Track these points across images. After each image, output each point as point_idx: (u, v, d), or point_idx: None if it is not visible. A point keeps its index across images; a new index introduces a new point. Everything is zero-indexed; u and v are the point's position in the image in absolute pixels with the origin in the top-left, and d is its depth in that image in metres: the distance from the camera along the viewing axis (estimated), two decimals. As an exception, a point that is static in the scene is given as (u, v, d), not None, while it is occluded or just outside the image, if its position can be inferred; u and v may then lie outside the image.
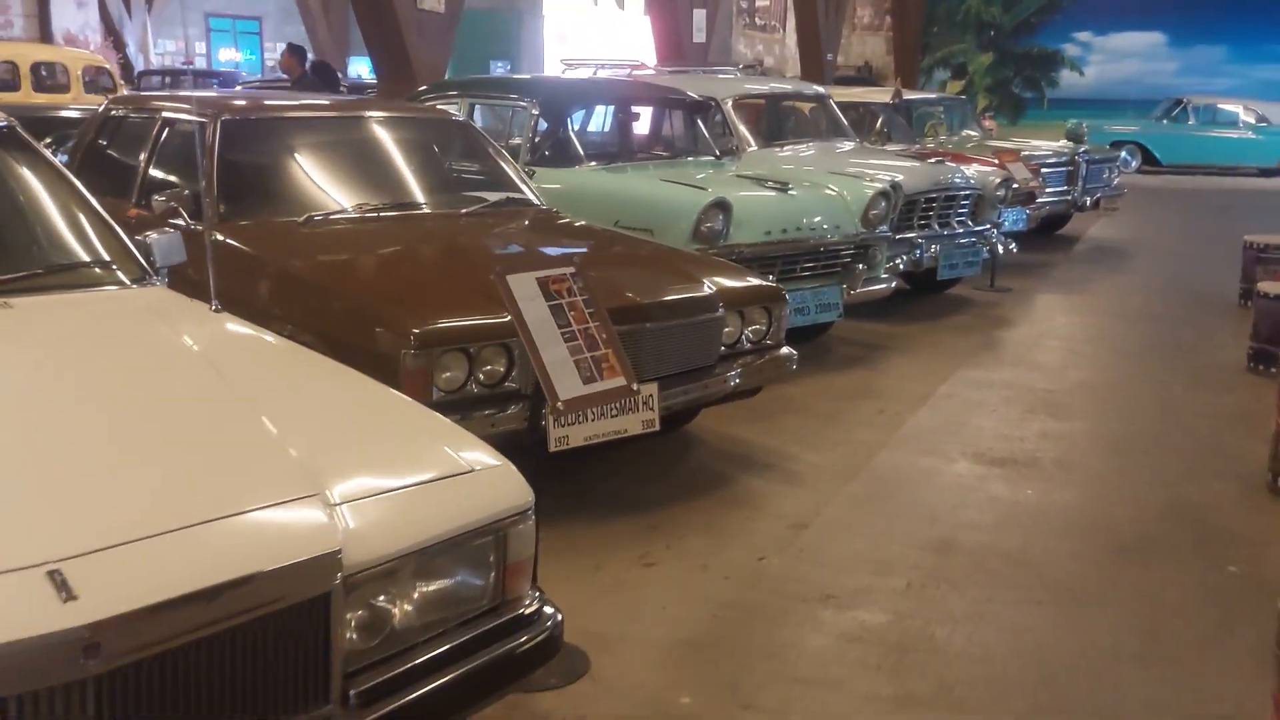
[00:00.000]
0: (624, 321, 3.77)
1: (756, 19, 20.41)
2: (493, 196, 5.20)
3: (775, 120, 9.61)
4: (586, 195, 6.30)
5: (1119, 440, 5.36)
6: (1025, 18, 24.68)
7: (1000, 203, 8.33)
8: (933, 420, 5.53)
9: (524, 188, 5.43)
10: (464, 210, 5.00)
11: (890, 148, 10.35)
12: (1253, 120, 20.49)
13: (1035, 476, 4.74)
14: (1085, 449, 5.20)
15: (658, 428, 3.68)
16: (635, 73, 9.17)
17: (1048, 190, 10.82)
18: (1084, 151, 11.40)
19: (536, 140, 6.65)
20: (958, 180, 8.01)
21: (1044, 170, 10.75)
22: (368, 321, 3.73)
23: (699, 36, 14.52)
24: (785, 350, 4.73)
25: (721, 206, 5.86)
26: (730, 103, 8.43)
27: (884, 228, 6.71)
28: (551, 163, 6.64)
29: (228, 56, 27.68)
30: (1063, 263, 10.54)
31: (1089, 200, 11.41)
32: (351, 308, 3.87)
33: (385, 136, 5.27)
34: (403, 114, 5.52)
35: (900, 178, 7.56)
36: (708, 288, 4.37)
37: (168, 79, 20.30)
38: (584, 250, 4.72)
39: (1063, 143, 12.36)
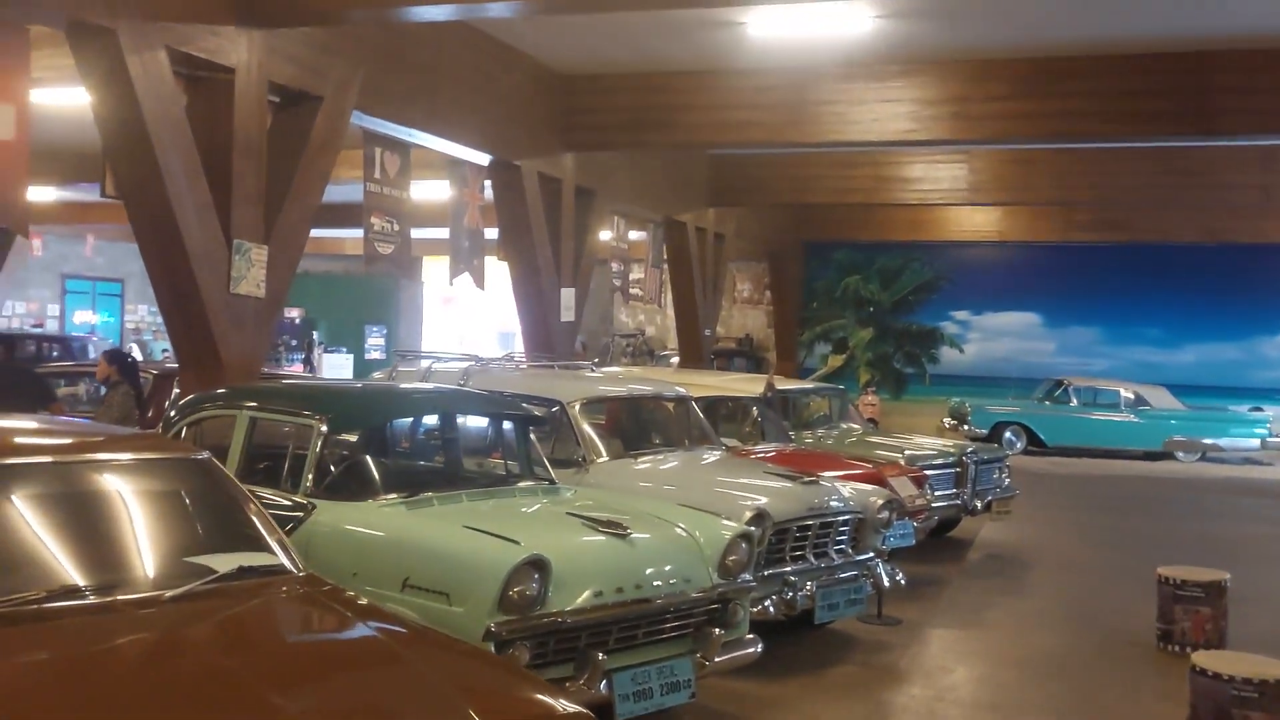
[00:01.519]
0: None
1: (633, 290, 19.96)
2: (223, 565, 3.90)
3: (635, 422, 8.60)
4: (373, 543, 5.04)
5: None
6: (903, 295, 24.89)
7: (883, 526, 7.29)
8: None
9: (274, 547, 4.14)
10: (170, 594, 3.67)
11: (763, 448, 9.42)
12: (1133, 401, 20.44)
13: None
14: None
15: None
16: (475, 368, 8.14)
17: (935, 494, 9.91)
18: (972, 451, 10.61)
19: (320, 466, 5.43)
20: (835, 504, 6.97)
21: (930, 473, 9.88)
22: None
23: (567, 315, 13.75)
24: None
25: (537, 566, 4.63)
26: (578, 406, 7.38)
27: (746, 575, 5.54)
28: (340, 494, 5.40)
29: (83, 319, 26.35)
30: (955, 580, 9.48)
31: (979, 504, 10.54)
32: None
33: (102, 484, 3.99)
34: (124, 455, 4.24)
35: (766, 502, 6.50)
36: (477, 733, 3.07)
37: None
38: (306, 683, 3.38)
39: (949, 442, 11.63)
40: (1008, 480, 11.31)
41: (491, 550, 4.67)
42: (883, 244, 24.56)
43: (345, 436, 5.90)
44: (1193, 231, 21.60)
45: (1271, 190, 16.33)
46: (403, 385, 7.45)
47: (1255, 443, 20.12)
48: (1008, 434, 20.59)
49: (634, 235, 18.56)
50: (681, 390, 8.36)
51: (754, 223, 21.51)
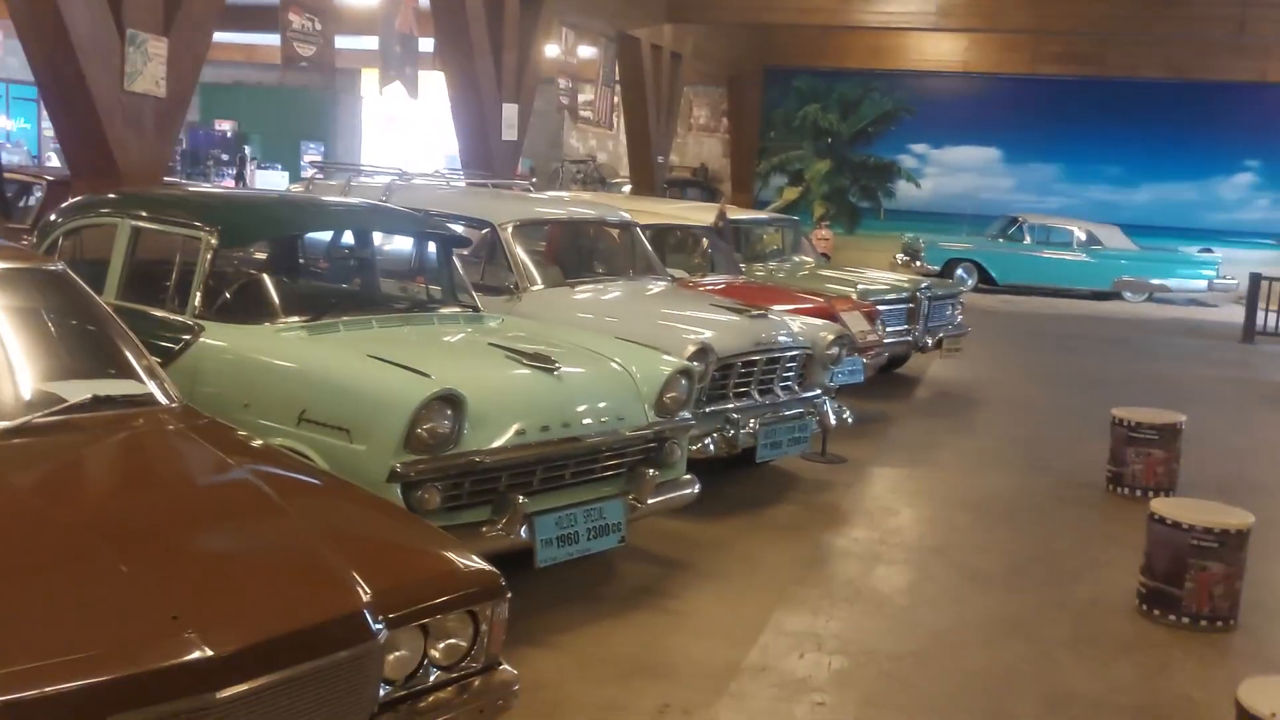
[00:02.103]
0: (175, 693, 2.06)
1: (588, 112, 19.06)
2: (74, 393, 3.36)
3: (575, 249, 8.06)
4: (266, 371, 4.52)
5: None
6: (862, 127, 24.16)
7: (832, 363, 6.89)
8: (736, 721, 3.89)
9: (141, 374, 3.61)
10: (12, 423, 3.15)
11: (711, 280, 8.93)
12: (1085, 240, 20.17)
13: None
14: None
15: None
16: (399, 184, 7.48)
17: (886, 329, 9.54)
18: (925, 287, 10.20)
19: (211, 283, 4.85)
20: (783, 339, 6.54)
21: (882, 308, 9.49)
22: None
23: (509, 134, 12.95)
24: (504, 673, 3.01)
25: (450, 401, 4.16)
26: (511, 229, 6.81)
27: (685, 414, 5.12)
28: (232, 315, 4.84)
29: None
30: (903, 416, 9.21)
31: (930, 341, 10.20)
32: None
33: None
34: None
35: (710, 336, 6.05)
36: (356, 595, 2.63)
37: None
38: (158, 509, 2.90)
39: (903, 277, 11.23)
40: (960, 318, 10.96)
41: (398, 383, 4.17)
42: (844, 72, 23.69)
43: (240, 252, 5.30)
44: (1162, 67, 20.96)
45: (1247, 23, 15.69)
46: (310, 197, 6.79)
47: (1203, 284, 20.02)
48: (959, 271, 20.28)
49: (584, 53, 17.57)
50: (626, 215, 7.79)
51: (713, 44, 20.49)
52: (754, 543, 5.78)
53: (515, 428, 4.36)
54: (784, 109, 24.50)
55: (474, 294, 5.66)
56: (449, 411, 4.16)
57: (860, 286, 9.68)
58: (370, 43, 13.65)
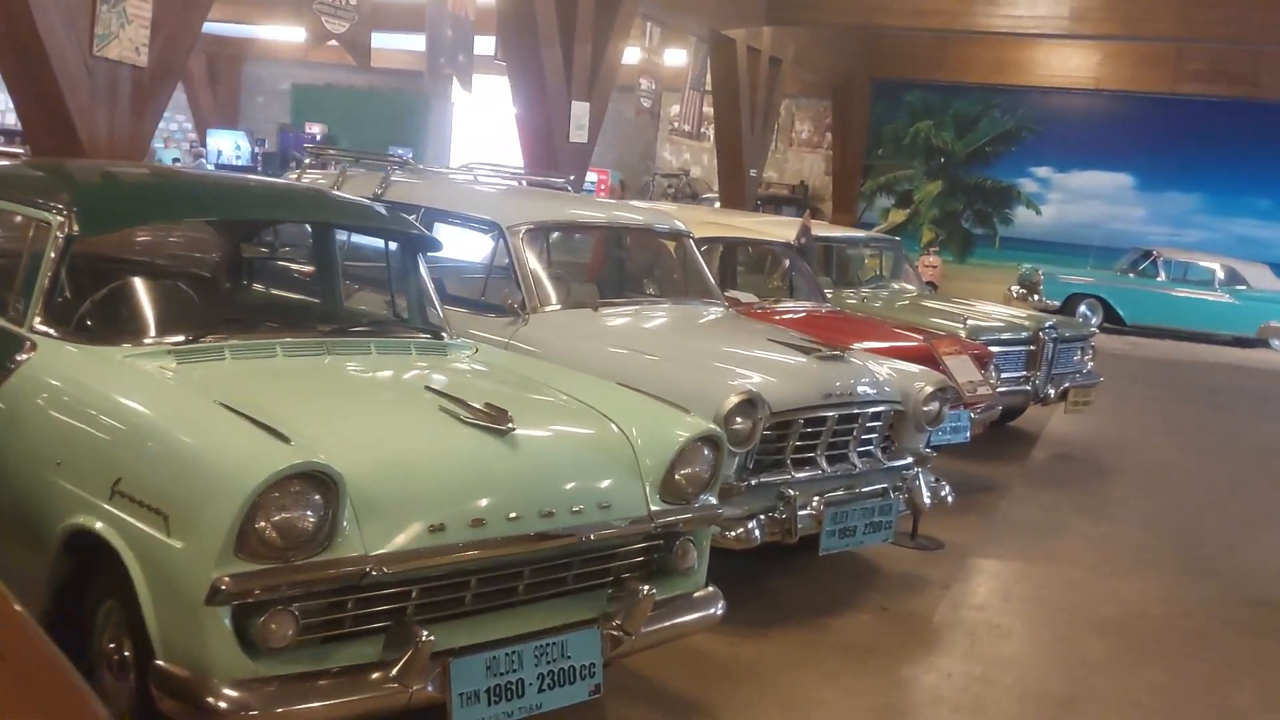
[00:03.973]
0: None
1: (680, 124, 17.64)
2: None
3: (615, 264, 6.59)
4: (83, 414, 3.13)
5: None
6: (979, 146, 22.21)
7: (930, 422, 5.27)
8: None
9: None
10: None
11: (787, 307, 7.38)
12: (1227, 279, 17.98)
13: None
14: None
15: None
16: (398, 178, 6.05)
17: (1000, 377, 7.85)
18: (1050, 326, 8.45)
19: (61, 284, 3.49)
20: (864, 389, 4.95)
21: (996, 350, 7.79)
22: None
23: (578, 135, 11.55)
24: None
25: (317, 482, 2.70)
26: (523, 233, 5.35)
27: (708, 498, 3.58)
28: (83, 330, 3.48)
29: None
30: (1016, 486, 7.48)
31: (1053, 392, 8.44)
32: None
33: None
34: None
35: (760, 382, 4.52)
36: None
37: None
38: None
39: (1020, 312, 9.48)
40: (1090, 364, 9.14)
41: (240, 450, 2.72)
42: (960, 86, 21.83)
43: (104, 244, 3.93)
44: (1324, 89, 18.72)
45: None
46: (218, 175, 5.40)
47: (1366, 334, 17.67)
48: (1083, 308, 18.27)
49: (671, 59, 16.13)
50: (678, 224, 6.26)
51: (817, 51, 18.86)
52: (806, 674, 4.19)
53: (430, 522, 2.88)
54: (894, 125, 22.70)
55: (440, 313, 4.19)
56: (315, 497, 2.70)
57: (970, 322, 7.99)
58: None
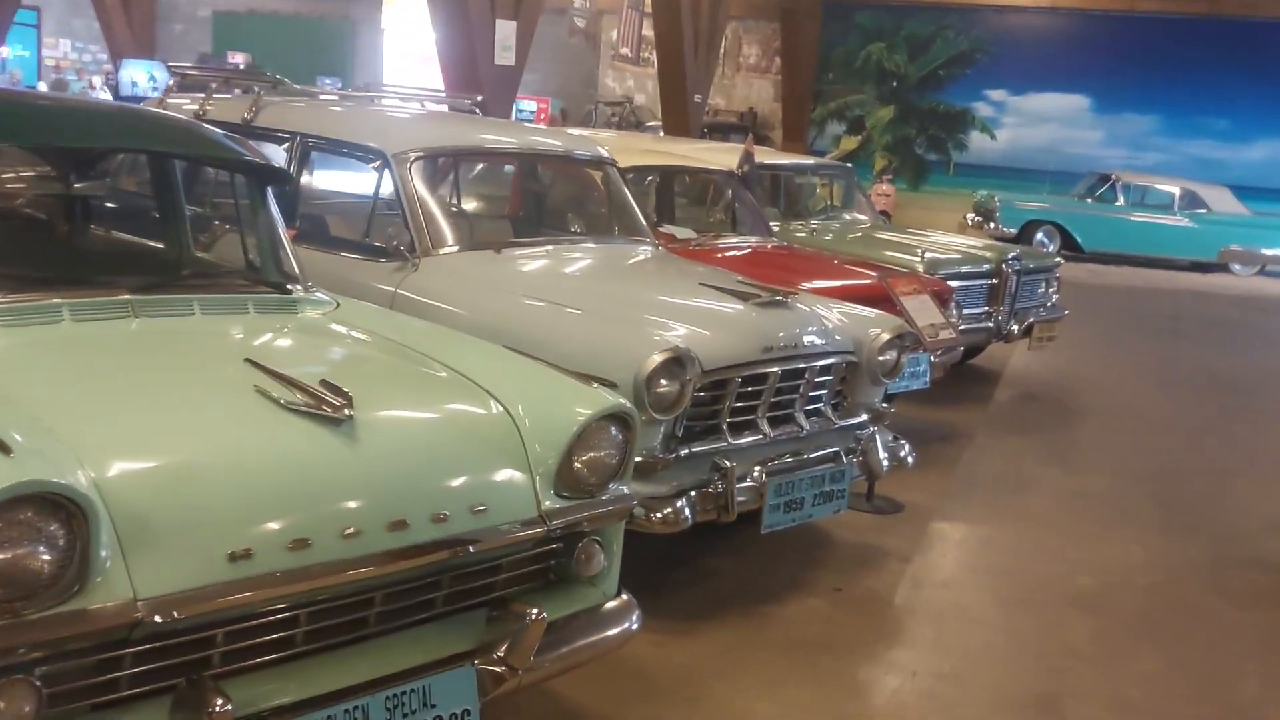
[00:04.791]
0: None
1: (626, 48, 16.71)
2: None
3: (525, 198, 5.83)
4: None
5: None
6: (932, 69, 21.49)
7: (886, 374, 4.60)
8: None
9: None
10: None
11: (730, 243, 6.67)
12: (1187, 203, 17.48)
13: None
14: None
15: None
16: (271, 100, 5.23)
17: (962, 314, 7.21)
18: (1014, 257, 7.80)
19: None
20: (811, 339, 4.26)
21: (956, 285, 7.15)
22: None
23: (504, 57, 10.67)
24: None
25: (53, 508, 1.95)
26: (413, 161, 4.57)
27: (620, 487, 2.88)
28: None
29: (-8, 51, 22.99)
30: (979, 433, 6.88)
31: (1017, 328, 7.82)
32: None
33: None
34: None
35: (688, 336, 3.84)
36: None
37: None
38: None
39: (979, 242, 8.83)
40: (1056, 297, 8.53)
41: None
42: (913, 6, 21.10)
43: None
44: (1285, 4, 18.14)
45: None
46: (20, 93, 4.52)
47: (1327, 257, 17.32)
48: (1039, 235, 17.76)
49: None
50: (600, 151, 5.49)
51: (763, -32, 17.98)
52: (744, 683, 3.54)
53: (230, 547, 2.16)
54: (844, 48, 21.90)
55: (294, 261, 3.43)
56: (53, 527, 1.96)
57: (929, 255, 7.32)
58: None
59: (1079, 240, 17.63)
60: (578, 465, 2.75)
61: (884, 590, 4.36)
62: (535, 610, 2.56)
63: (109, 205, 3.80)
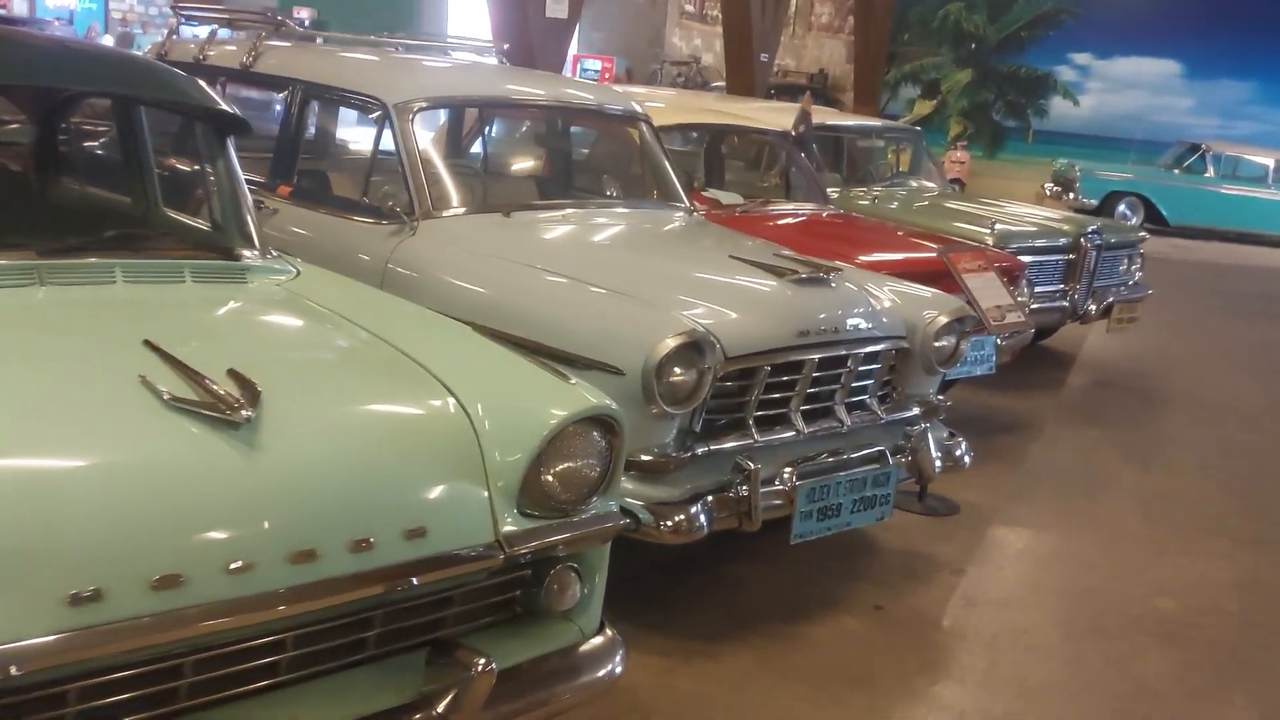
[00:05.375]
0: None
1: (690, 5, 16.11)
2: None
3: (548, 157, 5.34)
4: None
5: None
6: (1014, 31, 20.48)
7: (942, 362, 4.05)
8: None
9: None
10: None
11: (778, 210, 6.13)
12: (1283, 177, 16.45)
13: None
14: None
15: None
16: (272, 42, 4.78)
17: (1034, 293, 6.59)
18: (1093, 231, 7.13)
19: None
20: (855, 324, 3.72)
21: (1029, 260, 6.52)
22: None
23: (556, 9, 10.14)
24: None
25: None
26: (416, 111, 4.10)
27: (603, 500, 2.40)
28: None
29: (59, 3, 23.03)
30: (1049, 423, 6.28)
31: (1095, 308, 7.17)
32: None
33: None
34: None
35: (704, 317, 3.34)
36: None
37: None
38: None
39: (1057, 214, 8.14)
40: (1139, 274, 7.83)
41: None
42: (997, -37, 20.07)
43: None
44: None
45: None
46: None
47: None
48: (1122, 206, 16.84)
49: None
50: (634, 106, 4.96)
51: (836, -78, 17.16)
52: (760, 718, 3.05)
53: (74, 588, 1.71)
54: (921, 7, 20.98)
55: (252, 222, 2.97)
56: None
57: (999, 227, 6.70)
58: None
59: (1165, 213, 16.67)
60: (548, 478, 2.27)
61: (932, 609, 3.84)
62: (483, 661, 2.09)
63: (35, 153, 3.37)
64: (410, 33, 7.58)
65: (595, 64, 21.46)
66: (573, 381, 2.37)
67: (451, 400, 2.27)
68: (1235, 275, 13.45)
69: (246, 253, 2.89)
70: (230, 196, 3.03)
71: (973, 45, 20.79)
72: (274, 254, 2.95)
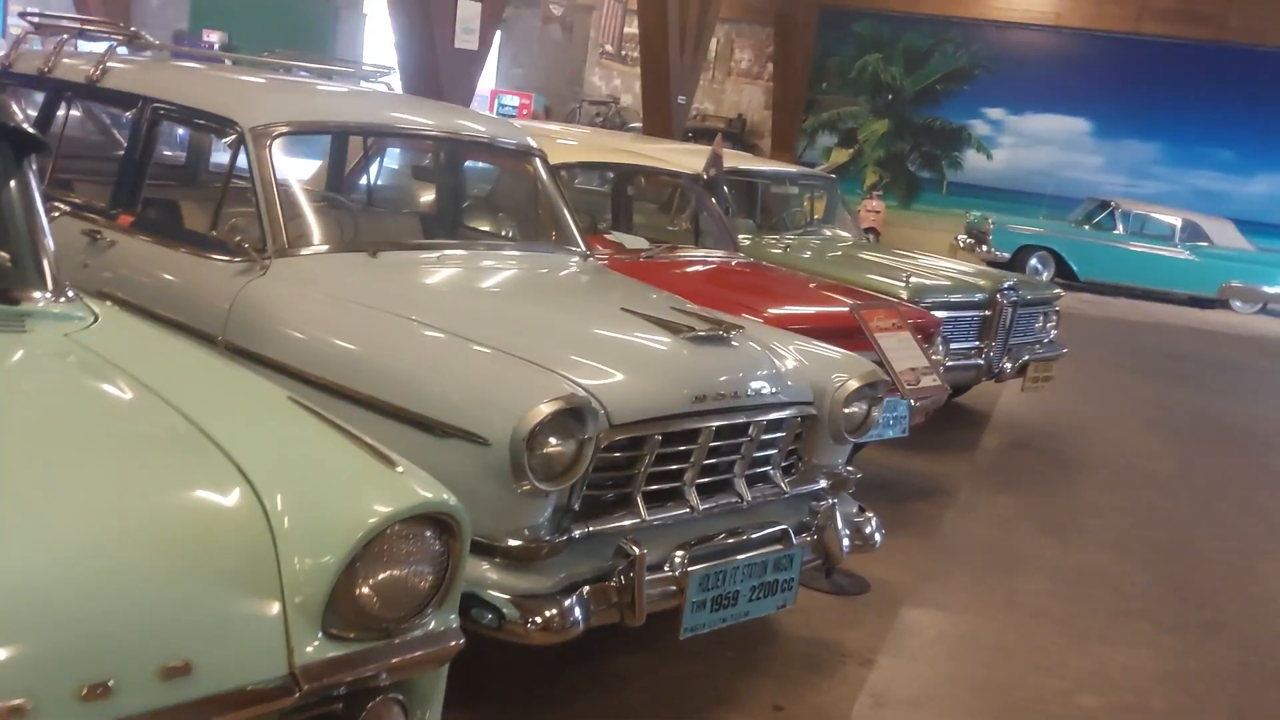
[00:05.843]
0: None
1: (610, 45, 15.84)
2: None
3: (446, 191, 4.90)
4: None
5: None
6: (930, 84, 20.61)
7: (853, 430, 3.68)
8: None
9: None
10: None
11: (685, 256, 5.79)
12: (1188, 235, 16.65)
13: None
14: None
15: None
16: (123, 57, 4.29)
17: (949, 349, 6.33)
18: (1009, 288, 6.90)
19: None
20: (758, 387, 3.33)
21: (944, 316, 6.26)
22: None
23: (466, 41, 9.73)
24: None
25: None
26: (275, 136, 3.64)
27: (440, 615, 1.95)
28: None
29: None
30: (962, 490, 5.98)
31: (1010, 366, 6.93)
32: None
33: None
34: None
35: (587, 378, 2.92)
36: None
37: None
38: None
39: (971, 267, 7.91)
40: (1054, 332, 7.64)
41: None
42: (913, 17, 20.22)
43: None
44: (1296, 34, 17.37)
45: None
46: None
47: (1330, 298, 16.52)
48: (1033, 260, 16.90)
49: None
50: (528, 141, 4.56)
51: (757, -32, 17.11)
52: None
53: None
54: (840, 57, 21.02)
55: (50, 258, 2.50)
56: None
57: (914, 280, 6.42)
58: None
59: (1074, 268, 16.77)
60: (364, 590, 1.83)
61: (836, 710, 3.44)
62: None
63: None
64: (322, 58, 7.15)
65: (513, 99, 21.11)
66: (399, 470, 1.93)
67: (245, 489, 1.82)
68: (1145, 332, 13.48)
69: (36, 294, 2.42)
70: (23, 228, 2.55)
71: (889, 96, 20.88)
72: (71, 296, 2.48)
